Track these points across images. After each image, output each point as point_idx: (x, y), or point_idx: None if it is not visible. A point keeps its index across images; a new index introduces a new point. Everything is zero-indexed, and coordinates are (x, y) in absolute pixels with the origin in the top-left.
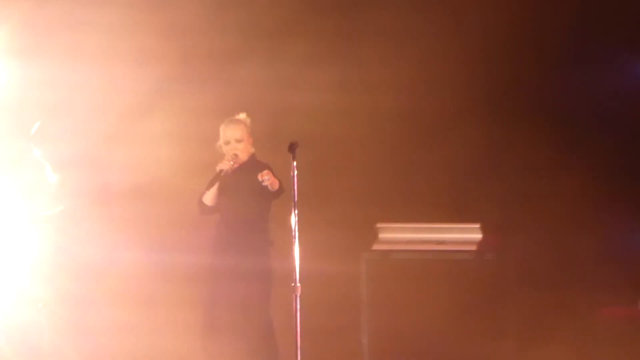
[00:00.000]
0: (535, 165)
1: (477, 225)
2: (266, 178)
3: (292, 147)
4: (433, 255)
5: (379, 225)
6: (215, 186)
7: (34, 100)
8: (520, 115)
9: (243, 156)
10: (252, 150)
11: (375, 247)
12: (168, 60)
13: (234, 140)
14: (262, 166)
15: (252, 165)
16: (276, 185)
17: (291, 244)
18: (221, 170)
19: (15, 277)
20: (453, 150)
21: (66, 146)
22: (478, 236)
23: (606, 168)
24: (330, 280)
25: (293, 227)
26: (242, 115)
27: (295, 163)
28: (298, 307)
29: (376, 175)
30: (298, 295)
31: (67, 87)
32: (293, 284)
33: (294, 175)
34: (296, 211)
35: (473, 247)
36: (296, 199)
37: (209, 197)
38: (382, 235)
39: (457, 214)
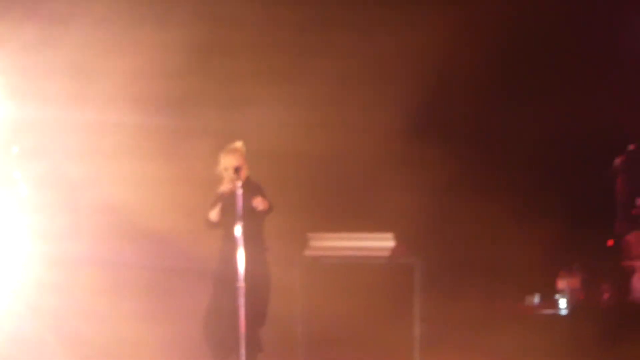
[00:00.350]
0: (442, 184)
1: (391, 235)
2: (260, 205)
3: (237, 170)
4: (354, 260)
5: (309, 234)
6: (219, 205)
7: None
8: (434, 136)
9: (240, 180)
10: (247, 173)
11: (307, 252)
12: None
13: (232, 168)
14: (255, 186)
15: (247, 186)
16: (266, 206)
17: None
18: (223, 194)
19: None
20: (374, 168)
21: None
22: (391, 244)
23: (501, 188)
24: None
25: (238, 235)
26: (239, 144)
27: (240, 183)
28: (242, 302)
29: (308, 190)
30: (242, 292)
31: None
32: (238, 284)
33: (239, 195)
34: (242, 223)
35: (387, 254)
36: (241, 213)
37: (214, 215)
38: (312, 243)
39: (375, 225)
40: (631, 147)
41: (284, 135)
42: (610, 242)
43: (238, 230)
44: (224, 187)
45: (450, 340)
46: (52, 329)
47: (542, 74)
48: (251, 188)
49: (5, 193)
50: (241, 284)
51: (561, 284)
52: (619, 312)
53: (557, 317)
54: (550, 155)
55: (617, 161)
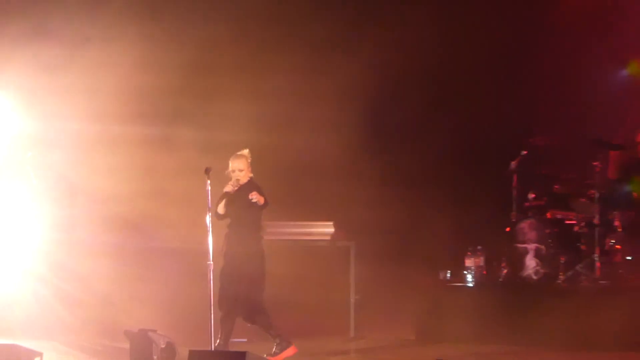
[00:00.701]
0: (374, 181)
1: (331, 223)
2: (254, 198)
3: (207, 171)
4: (302, 243)
5: (266, 222)
6: (224, 201)
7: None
8: (371, 141)
9: (243, 180)
10: (251, 175)
11: (264, 237)
12: None
13: (237, 170)
14: (257, 187)
15: (250, 186)
16: (262, 201)
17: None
18: (227, 192)
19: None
20: (318, 168)
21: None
22: (331, 230)
23: (421, 184)
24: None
25: (208, 224)
26: (245, 151)
27: (209, 181)
28: (211, 276)
29: (265, 186)
30: (211, 269)
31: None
32: (208, 262)
33: (208, 190)
34: (210, 213)
35: (328, 238)
36: (210, 205)
37: (220, 208)
38: (269, 229)
39: (319, 215)
40: (524, 152)
41: (248, 132)
42: (507, 229)
43: (240, 219)
44: (228, 187)
45: (378, 306)
46: (60, 295)
47: (458, 94)
48: (252, 187)
49: (20, 186)
50: (210, 262)
51: (468, 262)
52: (513, 284)
53: (465, 288)
54: (462, 159)
55: (513, 164)
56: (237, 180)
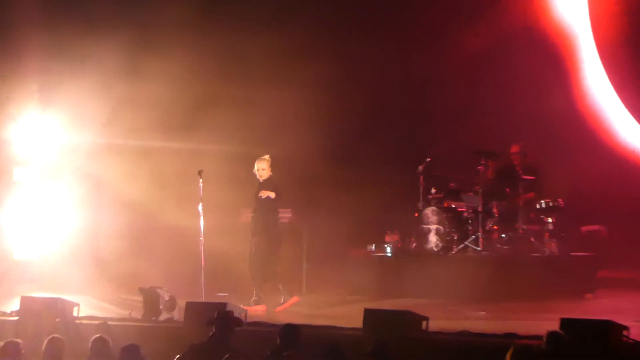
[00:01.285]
0: (320, 180)
1: (290, 210)
2: (263, 195)
3: (199, 173)
4: None
5: (241, 209)
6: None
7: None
8: (323, 151)
9: (264, 177)
10: (271, 173)
11: (240, 220)
12: None
13: (260, 169)
14: (273, 183)
15: (268, 182)
16: (273, 196)
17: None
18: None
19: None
20: (282, 168)
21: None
22: (290, 215)
23: (356, 184)
24: (218, 235)
25: (200, 211)
26: (267, 156)
27: (201, 180)
28: (202, 248)
29: (240, 182)
30: (202, 243)
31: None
32: (200, 238)
33: (200, 187)
34: (202, 203)
35: (287, 221)
36: (201, 194)
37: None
38: (243, 214)
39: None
40: (428, 159)
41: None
42: (416, 214)
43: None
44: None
45: (324, 273)
46: (90, 260)
47: (383, 115)
48: (270, 183)
49: (59, 181)
50: (201, 238)
51: (387, 237)
52: (420, 254)
53: (385, 257)
54: (384, 165)
55: (420, 168)
56: (261, 176)
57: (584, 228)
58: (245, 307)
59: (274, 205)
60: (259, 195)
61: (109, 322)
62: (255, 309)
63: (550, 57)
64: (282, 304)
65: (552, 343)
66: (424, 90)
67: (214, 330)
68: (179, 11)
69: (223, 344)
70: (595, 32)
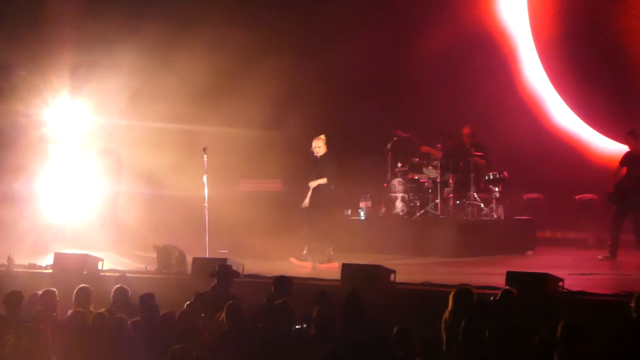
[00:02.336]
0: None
1: (279, 180)
2: (313, 185)
3: (204, 150)
4: (262, 192)
5: (241, 180)
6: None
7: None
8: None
9: (321, 153)
10: (325, 150)
11: (240, 189)
12: None
13: (316, 147)
14: (328, 158)
15: (323, 158)
16: (324, 181)
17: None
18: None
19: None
20: (271, 147)
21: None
22: (279, 185)
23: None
24: (220, 202)
25: (204, 182)
26: (322, 135)
27: (206, 155)
28: (206, 213)
29: (242, 157)
30: (206, 208)
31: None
32: (204, 204)
33: (205, 162)
34: (206, 175)
35: (278, 190)
36: (206, 167)
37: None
38: (242, 184)
39: (271, 175)
40: (395, 138)
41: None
42: (385, 184)
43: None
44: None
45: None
46: (112, 222)
47: (358, 99)
48: (325, 159)
49: (88, 157)
50: (206, 204)
51: (361, 204)
52: (388, 218)
53: (359, 221)
54: (357, 143)
55: (388, 145)
56: (317, 153)
57: (525, 196)
58: (293, 260)
59: (332, 176)
60: (309, 184)
61: (128, 275)
62: (302, 264)
63: (495, 53)
64: (325, 262)
65: (504, 298)
66: (393, 80)
67: (215, 281)
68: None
69: (224, 293)
70: (534, 32)
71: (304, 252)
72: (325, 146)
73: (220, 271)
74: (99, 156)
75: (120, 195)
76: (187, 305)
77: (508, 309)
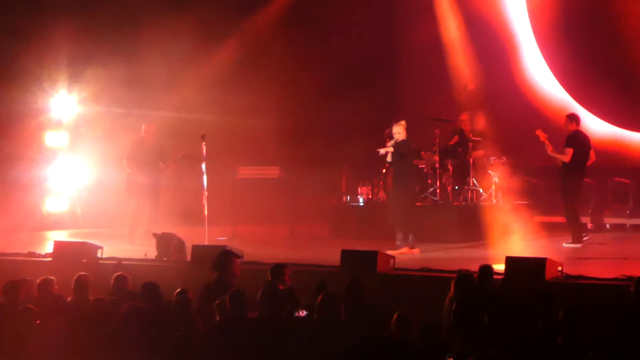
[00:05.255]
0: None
1: (277, 167)
2: (382, 151)
3: (203, 137)
4: (261, 179)
5: (239, 167)
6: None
7: None
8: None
9: (400, 138)
10: (405, 136)
11: (238, 177)
12: None
13: (397, 133)
14: (406, 143)
15: (402, 143)
16: (391, 151)
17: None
18: (380, 151)
19: None
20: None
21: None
22: (278, 172)
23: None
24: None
25: (203, 169)
26: (402, 121)
27: (204, 143)
28: (205, 202)
29: (237, 146)
30: (205, 195)
31: None
32: (204, 192)
33: (203, 149)
34: (205, 162)
35: (276, 177)
36: (205, 155)
37: (388, 156)
38: (241, 172)
39: (268, 162)
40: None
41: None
42: (383, 170)
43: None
44: (383, 149)
45: (307, 215)
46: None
47: (362, 87)
48: (404, 144)
49: (84, 147)
50: (205, 192)
51: (360, 190)
52: (386, 204)
53: (358, 207)
54: (361, 130)
55: (387, 131)
56: (394, 139)
57: (525, 178)
58: (390, 252)
59: (406, 162)
60: (379, 151)
61: (128, 263)
62: (402, 252)
63: (495, 41)
64: (403, 248)
65: (483, 274)
66: (394, 67)
67: (217, 273)
68: None
69: (226, 281)
70: (532, 20)
71: (397, 240)
72: (405, 132)
73: (221, 257)
74: (96, 144)
75: (120, 184)
76: (176, 293)
77: (508, 293)
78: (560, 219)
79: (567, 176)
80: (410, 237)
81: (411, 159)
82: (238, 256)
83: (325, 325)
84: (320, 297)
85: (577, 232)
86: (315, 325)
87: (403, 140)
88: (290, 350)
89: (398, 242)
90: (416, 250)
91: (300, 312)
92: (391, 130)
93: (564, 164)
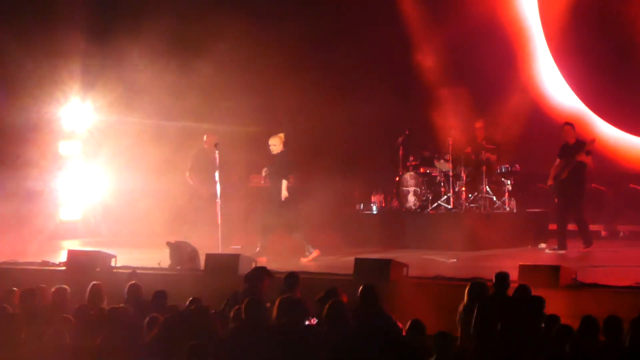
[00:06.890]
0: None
1: (290, 175)
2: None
3: (216, 145)
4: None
5: (251, 175)
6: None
7: None
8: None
9: (276, 151)
10: (282, 149)
11: (250, 185)
12: None
13: (272, 145)
14: (282, 156)
15: (279, 156)
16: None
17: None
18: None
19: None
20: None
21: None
22: (291, 180)
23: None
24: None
25: (216, 178)
26: (281, 134)
27: (217, 152)
28: (218, 210)
29: (251, 157)
30: (219, 205)
31: None
32: (217, 200)
33: (217, 157)
34: (218, 171)
35: (290, 184)
36: (218, 164)
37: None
38: (252, 180)
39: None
40: (406, 132)
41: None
42: (397, 178)
43: None
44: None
45: (320, 225)
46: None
47: (374, 99)
48: (279, 156)
49: (97, 155)
50: (218, 200)
51: (373, 198)
52: (400, 212)
53: (371, 215)
54: (371, 140)
55: (400, 139)
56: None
57: (539, 185)
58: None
59: (284, 174)
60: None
61: (142, 272)
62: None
63: (506, 47)
64: (307, 256)
65: (499, 282)
66: (405, 76)
67: (247, 285)
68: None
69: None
70: (544, 25)
71: (257, 247)
72: (281, 144)
73: (255, 272)
74: (110, 152)
75: (133, 192)
76: (189, 301)
77: (522, 302)
78: (573, 226)
79: (584, 183)
80: (306, 242)
81: (287, 173)
82: (271, 276)
83: (334, 333)
84: (327, 306)
85: (564, 238)
86: (325, 333)
87: (279, 154)
88: (300, 358)
89: (258, 250)
90: (316, 252)
91: (312, 321)
92: (404, 138)
93: (581, 170)
